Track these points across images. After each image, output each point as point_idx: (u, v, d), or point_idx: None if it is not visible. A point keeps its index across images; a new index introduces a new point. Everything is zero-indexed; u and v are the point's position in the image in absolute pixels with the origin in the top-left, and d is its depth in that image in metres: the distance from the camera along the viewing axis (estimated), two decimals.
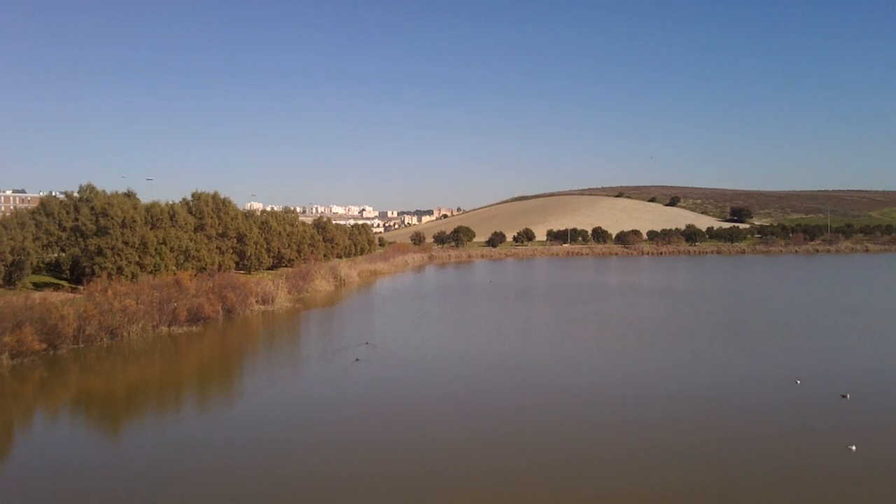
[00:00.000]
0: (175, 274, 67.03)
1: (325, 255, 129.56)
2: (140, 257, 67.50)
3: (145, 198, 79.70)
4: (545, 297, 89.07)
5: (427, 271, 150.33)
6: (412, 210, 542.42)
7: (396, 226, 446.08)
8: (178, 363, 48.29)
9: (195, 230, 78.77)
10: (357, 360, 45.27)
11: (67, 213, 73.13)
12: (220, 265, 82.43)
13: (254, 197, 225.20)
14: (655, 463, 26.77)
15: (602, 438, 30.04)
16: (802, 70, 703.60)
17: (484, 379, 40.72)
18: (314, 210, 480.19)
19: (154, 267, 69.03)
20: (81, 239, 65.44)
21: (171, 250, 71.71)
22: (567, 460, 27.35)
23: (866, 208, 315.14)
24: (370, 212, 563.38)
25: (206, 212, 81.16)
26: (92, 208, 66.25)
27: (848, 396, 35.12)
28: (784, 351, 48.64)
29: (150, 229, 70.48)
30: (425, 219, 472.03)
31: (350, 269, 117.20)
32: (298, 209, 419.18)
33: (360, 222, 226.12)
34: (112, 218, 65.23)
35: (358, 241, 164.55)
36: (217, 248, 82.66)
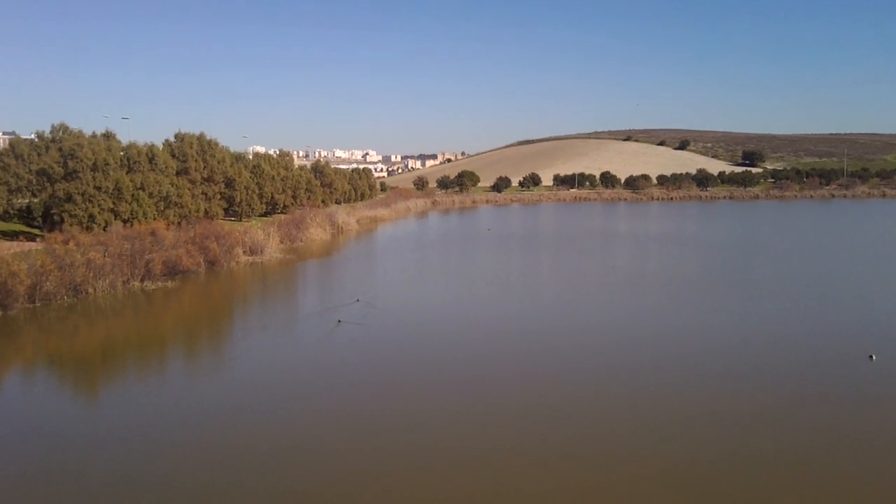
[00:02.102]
0: (158, 221, 61.55)
1: (322, 201, 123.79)
2: (115, 204, 61.82)
3: (125, 140, 73.60)
4: (554, 248, 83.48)
5: (430, 218, 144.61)
6: (416, 154, 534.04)
7: (400, 170, 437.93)
8: (148, 322, 43.10)
9: (178, 174, 72.84)
10: (340, 321, 40.04)
11: (39, 154, 67.20)
12: (206, 212, 76.81)
13: (245, 139, 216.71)
14: (694, 433, 22.99)
15: (633, 406, 25.92)
16: (814, 10, 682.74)
17: (489, 344, 35.42)
18: (316, 154, 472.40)
19: (131, 214, 63.41)
20: (49, 184, 59.70)
21: (151, 196, 65.97)
22: (588, 434, 23.29)
23: (881, 152, 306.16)
24: (374, 156, 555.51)
25: (190, 154, 75.00)
26: (60, 149, 60.26)
27: None
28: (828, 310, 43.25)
29: (127, 173, 64.63)
30: (429, 163, 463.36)
31: (348, 216, 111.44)
32: (301, 153, 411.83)
33: (362, 167, 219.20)
34: (81, 160, 59.31)
35: (358, 186, 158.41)
36: (202, 193, 76.86)
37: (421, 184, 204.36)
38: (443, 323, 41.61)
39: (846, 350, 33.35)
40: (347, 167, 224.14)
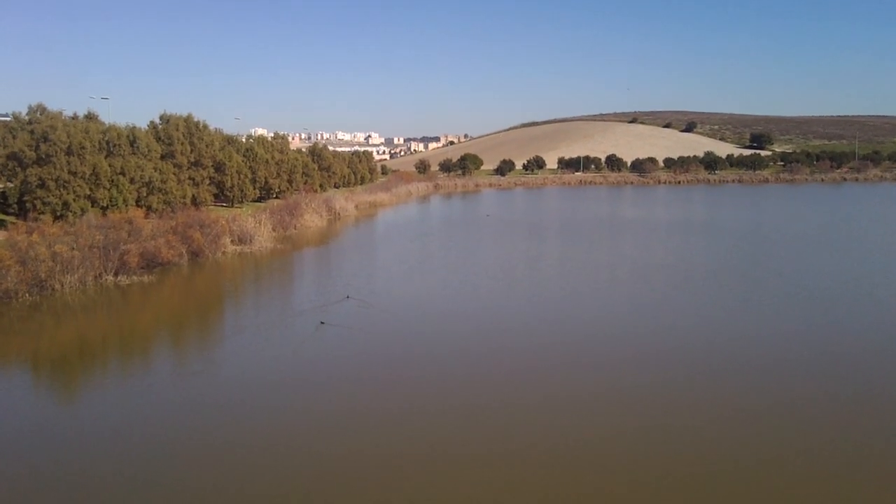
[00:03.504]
0: (136, 209, 57.50)
1: (320, 186, 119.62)
2: (91, 190, 57.74)
3: (112, 122, 69.13)
4: (562, 236, 79.39)
5: (432, 202, 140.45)
6: (419, 137, 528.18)
7: (402, 153, 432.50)
8: (114, 322, 39.19)
9: (163, 158, 68.61)
10: (322, 323, 36.11)
11: (14, 137, 63.00)
12: (193, 198, 72.74)
13: (238, 121, 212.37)
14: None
15: (653, 407, 22.77)
16: None
17: (490, 347, 31.39)
18: (318, 136, 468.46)
19: (110, 201, 59.37)
20: (20, 169, 55.54)
21: (132, 182, 61.87)
22: (605, 436, 20.54)
23: (890, 134, 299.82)
24: (376, 138, 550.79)
25: (176, 137, 70.66)
26: (32, 132, 56.05)
27: None
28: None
29: (106, 157, 60.47)
30: (432, 146, 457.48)
31: (346, 202, 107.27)
32: (303, 135, 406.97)
33: (363, 149, 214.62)
34: (55, 143, 55.10)
35: (358, 169, 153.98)
36: (189, 178, 72.67)
37: (423, 167, 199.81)
38: (440, 323, 37.58)
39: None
40: (349, 150, 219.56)
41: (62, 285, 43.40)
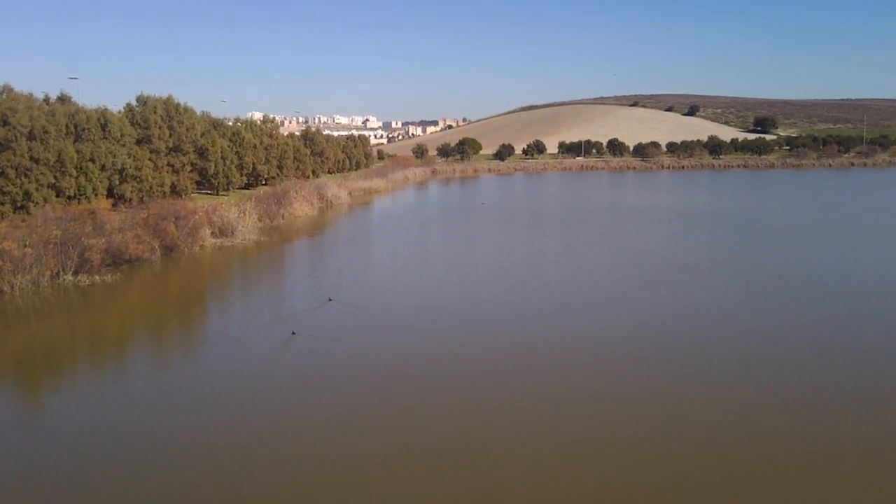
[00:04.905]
0: (102, 200, 52.86)
1: (313, 172, 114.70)
2: (56, 178, 52.97)
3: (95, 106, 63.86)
4: (568, 227, 74.73)
5: (429, 188, 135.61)
6: (417, 121, 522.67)
7: (400, 137, 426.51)
8: (67, 330, 34.64)
9: (139, 143, 63.76)
10: (294, 333, 31.62)
11: None
12: (173, 186, 67.94)
13: (224, 103, 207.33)
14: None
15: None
16: None
17: (489, 362, 26.88)
18: (316, 120, 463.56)
19: (77, 191, 54.66)
20: None
21: (102, 169, 57.11)
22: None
23: None
24: (374, 122, 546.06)
25: (153, 120, 65.67)
26: None
27: None
28: None
29: (74, 143, 55.67)
30: (430, 130, 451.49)
31: (340, 188, 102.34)
32: (300, 119, 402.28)
33: (358, 133, 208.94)
34: (15, 128, 50.30)
35: (353, 154, 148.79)
36: (169, 165, 67.78)
37: (420, 152, 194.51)
38: (431, 330, 33.01)
39: None
40: (346, 133, 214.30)
41: (12, 287, 38.81)
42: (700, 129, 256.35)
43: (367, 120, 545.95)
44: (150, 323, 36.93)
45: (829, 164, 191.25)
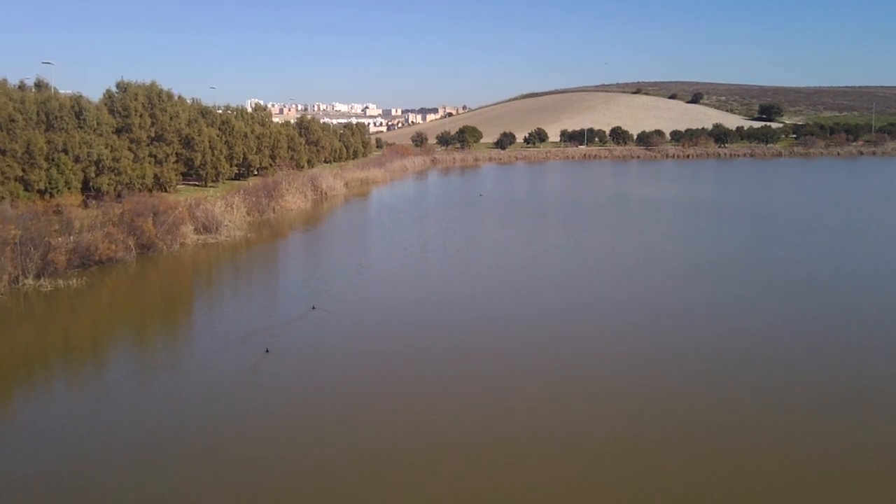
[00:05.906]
0: (73, 195, 49.05)
1: (308, 162, 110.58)
2: (24, 171, 49.13)
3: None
4: (575, 221, 70.82)
5: (429, 178, 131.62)
6: (417, 108, 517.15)
7: (400, 125, 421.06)
8: (20, 343, 30.84)
9: (118, 133, 59.81)
10: (268, 351, 27.89)
11: None
12: (156, 178, 64.04)
13: (213, 89, 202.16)
14: None
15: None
16: None
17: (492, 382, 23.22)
18: (315, 107, 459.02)
19: (48, 184, 50.80)
20: None
21: (77, 161, 53.23)
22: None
23: None
24: (374, 110, 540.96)
25: (134, 108, 61.60)
26: None
27: None
28: None
29: (45, 132, 51.79)
30: (430, 117, 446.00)
31: (335, 179, 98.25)
32: (299, 106, 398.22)
33: (356, 121, 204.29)
34: None
35: (350, 143, 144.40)
36: (151, 156, 63.77)
37: (419, 140, 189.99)
38: (426, 343, 29.25)
39: None
40: (345, 121, 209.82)
41: None
42: (704, 116, 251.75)
43: (367, 108, 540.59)
44: (108, 337, 32.91)
45: (838, 153, 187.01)
